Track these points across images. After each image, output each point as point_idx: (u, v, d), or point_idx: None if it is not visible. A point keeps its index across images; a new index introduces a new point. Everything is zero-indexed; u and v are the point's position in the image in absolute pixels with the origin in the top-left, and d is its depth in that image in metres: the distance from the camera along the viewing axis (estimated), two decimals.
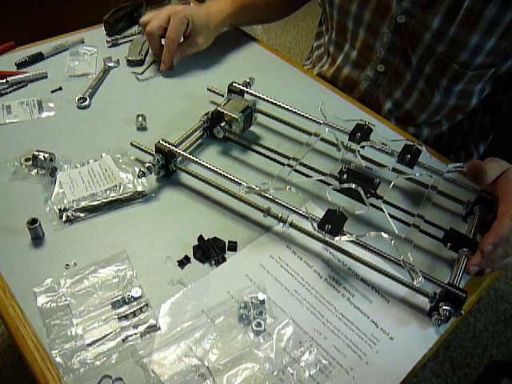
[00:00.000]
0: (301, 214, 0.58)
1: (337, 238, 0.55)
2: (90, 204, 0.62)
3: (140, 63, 0.87)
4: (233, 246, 0.59)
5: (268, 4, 0.98)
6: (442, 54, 0.78)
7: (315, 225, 0.56)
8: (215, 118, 0.71)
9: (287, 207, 0.59)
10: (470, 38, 0.74)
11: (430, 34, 0.77)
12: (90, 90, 0.79)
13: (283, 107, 0.75)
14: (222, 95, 0.77)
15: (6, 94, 0.78)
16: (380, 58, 0.87)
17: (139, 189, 0.64)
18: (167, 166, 0.65)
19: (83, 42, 0.91)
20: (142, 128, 0.74)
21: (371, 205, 0.59)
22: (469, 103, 0.87)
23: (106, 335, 0.50)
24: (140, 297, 0.53)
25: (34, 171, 0.65)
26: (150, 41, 0.84)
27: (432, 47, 0.79)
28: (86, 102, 0.77)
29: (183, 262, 0.57)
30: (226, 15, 0.90)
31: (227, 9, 0.90)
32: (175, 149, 0.64)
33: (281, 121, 0.76)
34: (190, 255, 0.58)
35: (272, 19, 1.09)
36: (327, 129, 0.70)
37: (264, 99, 0.76)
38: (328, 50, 0.98)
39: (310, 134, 0.71)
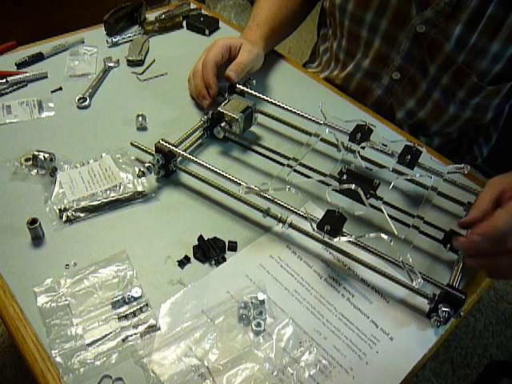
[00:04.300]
0: (300, 214, 0.58)
1: (336, 239, 0.55)
2: (90, 204, 0.62)
3: (140, 63, 0.87)
4: (233, 246, 0.59)
5: (291, 19, 0.93)
6: (462, 63, 0.77)
7: (314, 225, 0.56)
8: (215, 118, 0.71)
9: (287, 207, 0.59)
10: (491, 45, 0.74)
11: (451, 43, 0.76)
12: (90, 90, 0.79)
13: (283, 107, 0.75)
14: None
15: (6, 94, 0.78)
16: (396, 66, 0.84)
17: (139, 189, 0.64)
18: (167, 166, 0.65)
19: (83, 42, 0.91)
20: (141, 128, 0.74)
21: (371, 205, 0.59)
22: (484, 117, 0.86)
23: (106, 335, 0.50)
24: (140, 297, 0.53)
25: (34, 171, 0.65)
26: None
27: (452, 57, 0.77)
28: (86, 102, 0.77)
29: (183, 262, 0.57)
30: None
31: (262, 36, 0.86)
32: (175, 149, 0.64)
33: (281, 121, 0.76)
34: (190, 255, 0.58)
35: (291, 32, 1.01)
36: (327, 129, 0.70)
37: (264, 99, 0.76)
38: (337, 55, 0.94)
39: (310, 134, 0.71)
